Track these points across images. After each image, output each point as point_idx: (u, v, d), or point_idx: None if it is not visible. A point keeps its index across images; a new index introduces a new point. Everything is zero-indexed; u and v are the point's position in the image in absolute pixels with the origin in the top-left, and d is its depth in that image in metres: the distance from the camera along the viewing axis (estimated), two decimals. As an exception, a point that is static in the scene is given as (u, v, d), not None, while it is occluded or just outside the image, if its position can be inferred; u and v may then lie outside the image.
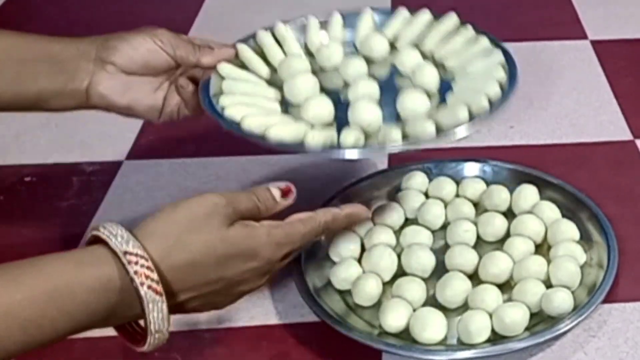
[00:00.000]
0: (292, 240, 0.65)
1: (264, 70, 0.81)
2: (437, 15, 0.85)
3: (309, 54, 0.83)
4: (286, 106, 0.77)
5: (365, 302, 0.74)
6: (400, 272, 0.76)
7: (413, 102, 0.75)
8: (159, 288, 0.57)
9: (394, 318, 0.71)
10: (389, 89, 0.79)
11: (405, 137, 0.71)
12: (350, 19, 0.85)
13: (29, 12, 1.29)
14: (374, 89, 0.78)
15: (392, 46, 0.84)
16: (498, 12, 1.29)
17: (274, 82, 0.80)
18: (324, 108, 0.75)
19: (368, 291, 0.74)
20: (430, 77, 0.79)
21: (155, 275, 0.57)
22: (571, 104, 1.06)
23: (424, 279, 0.75)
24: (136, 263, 0.56)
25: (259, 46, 0.82)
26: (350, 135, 0.70)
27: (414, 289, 0.74)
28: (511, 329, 0.70)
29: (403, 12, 0.85)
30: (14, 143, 0.99)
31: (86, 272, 0.56)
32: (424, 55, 0.82)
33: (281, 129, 0.71)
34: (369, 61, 0.82)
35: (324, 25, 0.85)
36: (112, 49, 0.75)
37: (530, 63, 1.15)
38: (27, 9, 1.30)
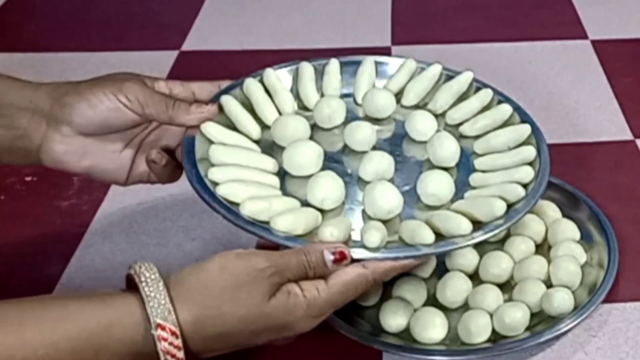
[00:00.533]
0: (333, 304, 0.62)
1: (255, 131, 0.73)
2: (449, 71, 0.80)
3: (303, 107, 0.77)
4: (283, 177, 0.70)
5: (365, 302, 0.74)
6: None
7: (438, 187, 0.69)
8: None
9: (394, 318, 0.71)
10: (400, 158, 0.74)
11: (432, 227, 0.65)
12: (348, 67, 0.79)
13: (29, 12, 1.29)
14: (388, 164, 0.71)
15: (397, 101, 0.78)
16: (498, 12, 1.29)
17: (265, 142, 0.73)
18: (335, 190, 0.68)
19: (368, 291, 0.73)
20: (450, 151, 0.72)
21: (181, 354, 0.56)
22: (571, 104, 1.06)
23: (424, 279, 0.75)
24: (166, 340, 0.55)
25: (246, 96, 0.75)
26: (374, 235, 0.63)
27: (415, 289, 0.74)
28: (511, 329, 0.70)
29: (409, 63, 0.80)
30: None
31: (114, 335, 0.55)
32: (433, 115, 0.77)
33: (289, 220, 0.64)
34: (371, 119, 0.77)
35: (318, 71, 0.78)
36: (68, 107, 0.67)
37: (530, 63, 1.15)
38: (27, 9, 1.30)
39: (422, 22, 1.24)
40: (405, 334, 0.71)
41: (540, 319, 0.72)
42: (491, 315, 0.71)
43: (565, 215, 0.82)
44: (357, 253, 0.63)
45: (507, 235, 0.80)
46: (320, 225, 0.65)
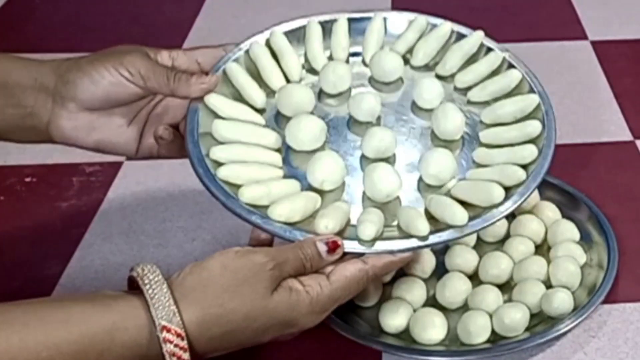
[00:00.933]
0: (335, 300, 0.62)
1: (259, 99, 0.72)
2: (460, 28, 0.78)
3: (311, 69, 0.76)
4: (287, 151, 0.70)
5: (365, 302, 0.74)
6: (401, 273, 0.76)
7: (439, 168, 0.68)
8: None
9: (394, 318, 0.71)
10: (405, 127, 0.73)
11: (430, 217, 0.65)
12: (357, 24, 0.78)
13: (29, 12, 1.29)
14: (390, 141, 0.70)
15: (406, 61, 0.77)
16: (498, 12, 1.28)
17: (271, 109, 0.72)
18: (335, 172, 0.67)
19: (368, 291, 0.74)
20: (455, 124, 0.71)
21: (187, 355, 0.56)
22: (571, 104, 1.06)
23: (424, 279, 0.75)
24: (171, 342, 0.55)
25: (252, 61, 0.73)
26: (369, 227, 0.63)
27: (414, 289, 0.74)
28: (511, 329, 0.70)
29: (420, 20, 0.78)
30: (15, 143, 0.99)
31: (117, 339, 0.54)
32: (442, 78, 0.76)
33: (287, 208, 0.64)
34: (378, 82, 0.76)
35: (326, 29, 0.76)
36: (71, 84, 0.67)
37: (530, 63, 1.14)
38: (27, 9, 1.30)
39: (422, 23, 1.24)
40: (405, 334, 0.71)
41: (540, 320, 0.72)
42: (491, 316, 0.71)
43: (564, 215, 0.82)
44: (351, 246, 0.63)
45: (507, 236, 0.80)
46: (316, 216, 0.64)
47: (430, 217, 0.66)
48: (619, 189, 0.91)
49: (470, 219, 0.65)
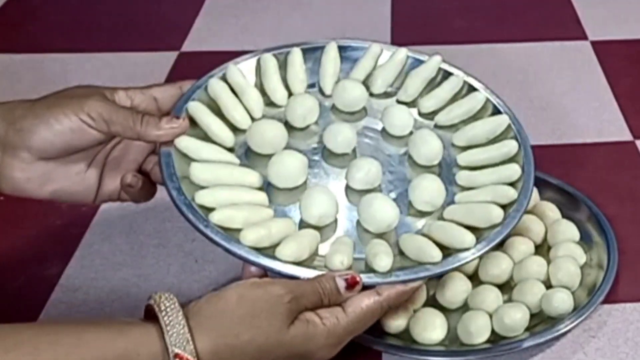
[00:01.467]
0: (351, 332, 0.62)
1: (228, 138, 0.70)
2: (415, 54, 0.79)
3: (270, 103, 0.74)
4: (267, 188, 0.69)
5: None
6: (400, 273, 0.76)
7: (431, 195, 0.69)
8: None
9: (394, 318, 0.71)
10: (381, 156, 0.73)
11: (434, 239, 0.66)
12: (311, 53, 0.77)
13: (29, 12, 1.29)
14: (377, 171, 0.70)
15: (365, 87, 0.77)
16: (498, 12, 1.28)
17: (239, 147, 0.71)
18: (330, 206, 0.67)
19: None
20: (434, 149, 0.72)
21: None
22: (571, 104, 1.06)
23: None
24: None
25: (212, 99, 0.71)
26: (384, 260, 0.63)
27: (414, 290, 0.74)
28: (511, 329, 0.70)
29: (374, 49, 0.78)
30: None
31: None
32: (404, 104, 0.76)
33: (293, 248, 0.63)
34: (341, 112, 0.76)
35: (280, 60, 0.76)
36: (25, 132, 0.62)
37: (530, 63, 1.15)
38: (27, 9, 1.30)
39: (422, 23, 1.24)
40: (405, 334, 0.71)
41: (540, 320, 0.72)
42: (491, 316, 0.71)
43: (564, 215, 0.82)
44: (369, 279, 0.63)
45: (507, 236, 0.80)
46: (328, 254, 0.65)
47: (433, 242, 0.66)
48: (619, 189, 0.91)
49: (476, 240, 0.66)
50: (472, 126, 0.75)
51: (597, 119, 1.03)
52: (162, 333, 0.55)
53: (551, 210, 0.82)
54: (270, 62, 0.75)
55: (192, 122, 0.69)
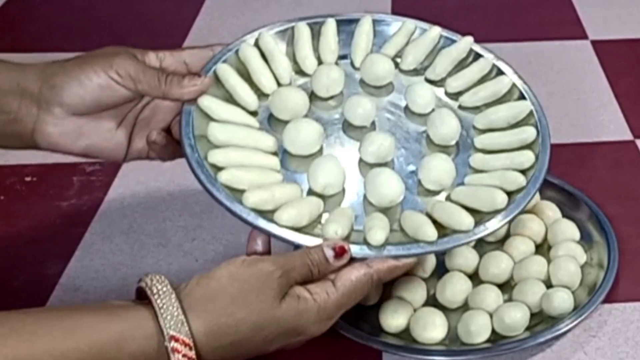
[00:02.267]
0: (342, 305, 0.62)
1: (252, 102, 0.71)
2: (448, 33, 0.78)
3: (300, 71, 0.75)
4: (283, 154, 0.69)
5: (365, 302, 0.74)
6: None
7: (440, 174, 0.69)
8: None
9: (394, 318, 0.71)
10: (400, 132, 0.73)
11: (433, 222, 0.65)
12: (345, 26, 0.77)
13: (29, 12, 1.29)
14: (389, 146, 0.69)
15: (395, 64, 0.77)
16: (498, 12, 1.28)
17: (263, 112, 0.72)
18: (337, 176, 0.67)
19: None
20: (451, 130, 0.72)
21: None
22: (571, 104, 1.06)
23: (424, 279, 0.75)
24: (179, 352, 0.55)
25: (242, 63, 0.72)
26: (379, 233, 0.63)
27: (414, 289, 0.74)
28: (511, 329, 0.70)
29: (408, 25, 0.78)
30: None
31: (125, 349, 0.54)
32: (431, 82, 0.76)
33: (293, 214, 0.63)
34: (369, 86, 0.76)
35: (314, 31, 0.76)
36: (58, 89, 0.65)
37: (530, 63, 1.15)
38: (27, 9, 1.30)
39: (422, 23, 1.24)
40: (405, 334, 0.71)
41: (540, 319, 0.72)
42: (491, 316, 0.71)
43: (565, 215, 0.82)
44: (361, 251, 0.63)
45: (507, 236, 0.80)
46: (325, 221, 0.65)
47: (433, 221, 0.66)
48: (619, 189, 0.91)
49: (475, 224, 0.66)
50: (494, 110, 0.75)
51: (598, 119, 1.03)
52: (156, 316, 0.55)
53: (551, 210, 0.82)
54: (303, 31, 0.76)
55: (219, 84, 0.70)
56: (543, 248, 0.80)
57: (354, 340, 0.70)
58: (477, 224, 0.66)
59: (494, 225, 0.67)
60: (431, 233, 0.64)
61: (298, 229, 0.64)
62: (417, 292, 0.74)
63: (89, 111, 0.67)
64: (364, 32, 0.77)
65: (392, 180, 0.67)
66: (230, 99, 0.71)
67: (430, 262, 0.76)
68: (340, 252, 0.62)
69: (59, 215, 0.88)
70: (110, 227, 0.86)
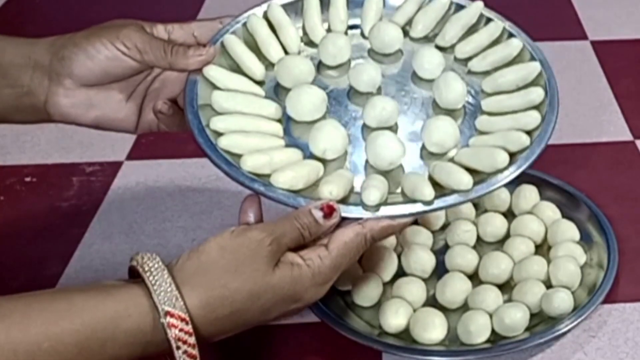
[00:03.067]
0: (337, 268, 0.61)
1: (258, 71, 0.71)
2: (458, 1, 0.77)
3: (309, 41, 0.75)
4: (287, 122, 0.69)
5: (365, 302, 0.74)
6: (400, 272, 0.76)
7: (442, 135, 0.67)
8: (195, 352, 0.56)
9: (394, 318, 0.71)
10: (407, 97, 0.72)
11: (434, 184, 0.64)
12: None
13: (29, 12, 1.29)
14: (392, 110, 0.69)
15: (405, 33, 0.76)
16: (498, 12, 1.28)
17: (270, 82, 0.72)
18: (337, 140, 0.66)
19: (368, 291, 0.74)
20: (456, 93, 0.70)
21: (192, 339, 0.55)
22: (571, 104, 1.06)
23: (424, 279, 0.75)
24: (176, 327, 0.55)
25: (250, 34, 0.73)
26: (373, 193, 0.62)
27: (414, 289, 0.74)
28: (511, 329, 0.70)
29: None
30: (14, 143, 0.99)
31: (121, 327, 0.54)
32: (442, 49, 0.75)
33: (289, 176, 0.63)
34: (378, 54, 0.75)
35: (324, 1, 0.76)
36: (66, 60, 0.66)
37: (530, 63, 1.14)
38: (27, 9, 1.30)
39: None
40: (405, 334, 0.71)
41: (540, 320, 0.72)
42: (491, 316, 0.71)
43: (564, 215, 0.82)
44: (356, 212, 0.63)
45: (507, 236, 0.80)
46: (320, 182, 0.64)
47: (434, 183, 0.65)
48: (619, 189, 0.91)
49: (475, 184, 0.64)
50: (503, 72, 0.73)
51: (598, 119, 1.03)
52: (150, 293, 0.55)
53: (551, 210, 0.82)
54: (312, 1, 0.75)
55: (227, 54, 0.70)
56: (543, 248, 0.80)
57: (354, 340, 0.70)
58: (477, 183, 0.64)
59: (494, 184, 0.65)
60: (428, 192, 0.63)
61: (295, 192, 0.63)
62: (417, 293, 0.74)
63: (98, 82, 0.68)
64: (373, 1, 0.77)
65: (392, 142, 0.66)
66: (237, 69, 0.71)
67: (430, 262, 0.76)
68: (328, 211, 0.61)
69: (59, 216, 0.88)
70: (110, 227, 0.86)
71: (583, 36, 1.22)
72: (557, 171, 0.88)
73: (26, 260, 0.82)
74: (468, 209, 0.83)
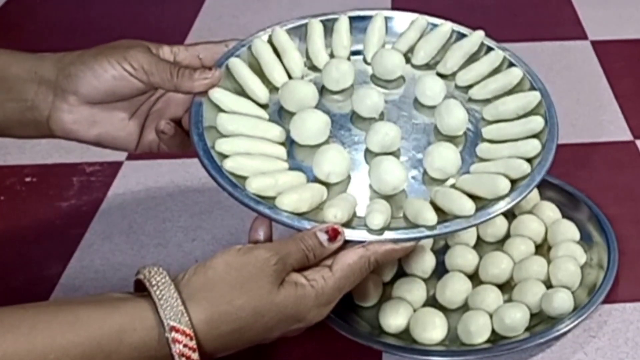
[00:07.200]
0: (340, 289, 0.62)
1: (263, 95, 0.72)
2: (460, 28, 0.79)
3: (313, 66, 0.76)
4: (290, 145, 0.70)
5: (365, 302, 0.74)
6: (401, 273, 0.76)
7: (444, 162, 0.68)
8: None
9: (394, 318, 0.71)
10: (408, 123, 0.73)
11: (436, 209, 0.65)
12: (358, 23, 0.78)
13: (29, 12, 1.29)
14: (395, 135, 0.70)
15: (407, 60, 0.78)
16: (498, 12, 1.28)
17: (274, 105, 0.73)
18: (341, 164, 0.67)
19: (368, 291, 0.74)
20: (458, 120, 0.72)
21: (196, 355, 0.56)
22: (571, 104, 1.06)
23: (424, 279, 0.75)
24: (180, 342, 0.55)
25: (255, 57, 0.74)
26: (377, 217, 0.63)
27: (414, 289, 0.74)
28: (511, 329, 0.70)
29: (421, 21, 0.79)
30: (14, 143, 0.99)
31: (126, 341, 0.54)
32: (443, 77, 0.76)
33: (294, 199, 0.64)
34: (380, 80, 0.76)
35: (328, 27, 0.77)
36: (73, 77, 0.67)
37: (530, 63, 1.14)
38: (27, 9, 1.30)
39: (422, 23, 1.24)
40: (405, 334, 0.71)
41: (540, 320, 0.72)
42: (491, 316, 0.71)
43: (565, 215, 0.82)
44: (360, 235, 0.63)
45: (507, 236, 0.80)
46: (324, 206, 0.65)
47: (436, 208, 0.66)
48: (619, 189, 0.91)
49: (477, 210, 0.65)
50: (504, 101, 0.74)
51: (597, 119, 1.03)
52: (156, 307, 0.56)
53: (551, 210, 0.82)
54: (316, 27, 0.77)
55: (231, 77, 0.71)
56: (543, 248, 0.80)
57: (354, 340, 0.70)
58: (479, 210, 0.65)
59: (496, 211, 0.66)
60: (430, 218, 0.64)
61: (299, 215, 0.64)
62: (417, 293, 0.74)
63: (103, 101, 0.69)
64: (376, 27, 0.78)
65: (395, 167, 0.67)
66: (241, 92, 0.72)
67: (430, 262, 0.76)
68: (333, 234, 0.62)
69: (59, 216, 0.88)
70: (110, 227, 0.86)
71: (583, 36, 1.22)
72: (557, 171, 0.87)
73: (26, 260, 0.82)
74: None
